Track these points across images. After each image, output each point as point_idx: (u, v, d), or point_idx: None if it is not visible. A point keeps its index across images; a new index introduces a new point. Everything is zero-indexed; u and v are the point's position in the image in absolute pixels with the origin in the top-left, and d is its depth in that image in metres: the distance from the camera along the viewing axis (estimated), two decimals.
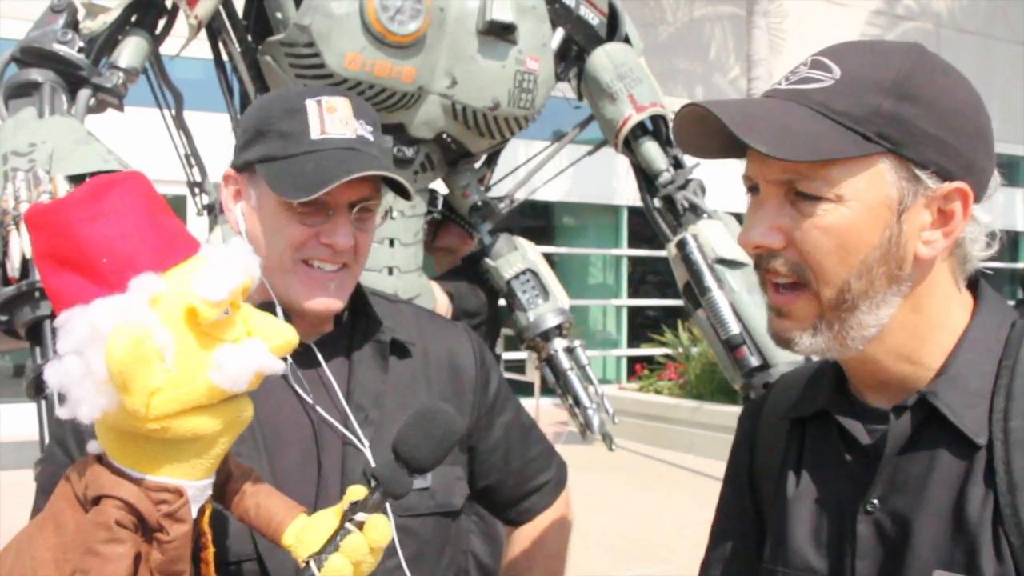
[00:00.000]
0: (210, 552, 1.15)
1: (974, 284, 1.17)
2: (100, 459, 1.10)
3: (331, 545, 1.12)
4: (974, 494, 1.03)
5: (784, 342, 1.13)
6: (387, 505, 1.39)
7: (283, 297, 1.44)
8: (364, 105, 1.49)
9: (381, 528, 1.14)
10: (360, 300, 1.56)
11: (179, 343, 1.04)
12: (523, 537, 1.79)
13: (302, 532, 1.16)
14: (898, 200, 1.05)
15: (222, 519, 1.27)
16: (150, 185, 1.10)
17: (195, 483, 1.10)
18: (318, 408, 1.44)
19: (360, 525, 1.13)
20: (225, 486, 1.19)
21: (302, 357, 1.45)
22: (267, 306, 1.41)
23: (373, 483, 1.16)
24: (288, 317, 1.42)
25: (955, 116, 1.06)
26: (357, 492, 1.17)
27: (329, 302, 1.44)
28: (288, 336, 1.14)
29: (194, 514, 1.11)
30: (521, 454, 1.71)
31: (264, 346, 1.10)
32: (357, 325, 1.55)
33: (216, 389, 1.06)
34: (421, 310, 1.73)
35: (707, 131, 1.09)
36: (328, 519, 1.17)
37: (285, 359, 1.41)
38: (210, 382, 1.05)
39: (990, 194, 1.12)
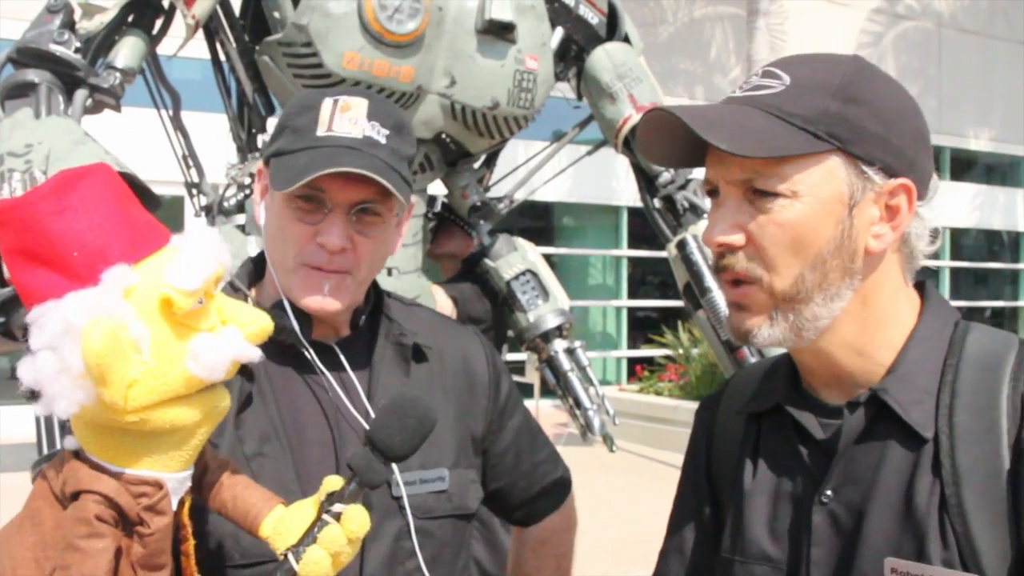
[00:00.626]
0: (190, 544, 1.14)
1: (921, 286, 1.24)
2: (77, 455, 1.09)
3: (309, 537, 1.11)
4: (922, 485, 1.09)
5: (743, 335, 1.19)
6: (406, 505, 1.43)
7: (287, 295, 1.45)
8: (386, 108, 1.47)
9: (359, 518, 1.12)
10: (379, 301, 1.57)
11: (155, 334, 1.03)
12: (532, 538, 1.81)
13: (279, 524, 1.14)
14: (849, 195, 1.12)
15: None
16: (117, 176, 1.09)
17: (174, 475, 1.09)
18: (347, 406, 1.45)
19: (337, 516, 1.12)
20: (202, 478, 1.18)
21: (325, 358, 1.46)
22: (280, 305, 1.43)
23: (349, 473, 1.15)
24: (309, 318, 1.44)
25: (896, 118, 1.14)
26: (334, 483, 1.16)
27: (323, 301, 1.43)
28: (263, 323, 1.13)
29: (174, 506, 1.10)
30: (530, 456, 1.73)
31: (240, 334, 1.10)
32: (378, 327, 1.55)
33: (193, 379, 1.06)
34: (434, 314, 1.73)
35: (671, 139, 1.16)
36: (306, 510, 1.16)
37: (301, 353, 1.44)
38: (187, 372, 1.05)
39: (931, 195, 1.19)
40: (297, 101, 1.48)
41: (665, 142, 1.18)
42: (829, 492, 1.16)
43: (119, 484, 1.05)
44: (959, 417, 1.10)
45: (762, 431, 1.28)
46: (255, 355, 1.11)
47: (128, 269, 1.03)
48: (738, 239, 1.14)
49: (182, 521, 1.13)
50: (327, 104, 1.43)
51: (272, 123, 1.52)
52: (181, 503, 1.12)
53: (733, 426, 1.33)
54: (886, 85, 1.16)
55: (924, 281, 1.24)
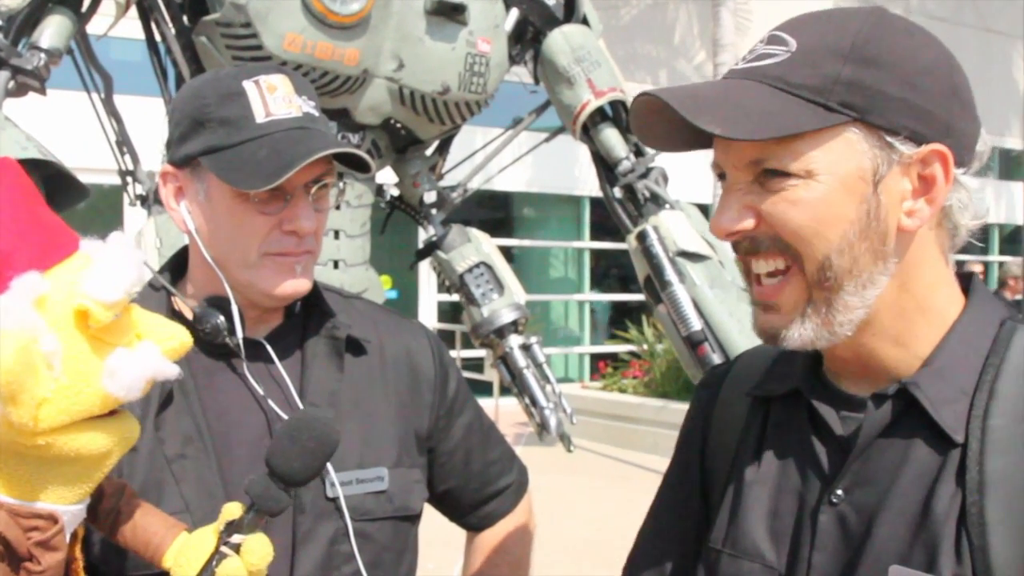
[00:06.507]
0: None
1: (967, 278, 1.14)
2: None
3: (207, 571, 1.07)
4: (943, 492, 1.01)
5: (771, 338, 1.09)
6: (343, 506, 1.36)
7: (246, 290, 1.39)
8: (303, 80, 1.44)
9: (259, 550, 1.09)
10: (313, 293, 1.50)
11: (68, 349, 0.97)
12: (485, 543, 1.74)
13: (180, 555, 1.10)
14: (872, 170, 1.02)
15: None
16: (25, 175, 1.03)
17: (70, 508, 1.03)
18: (276, 405, 1.39)
19: (237, 547, 1.08)
20: (98, 506, 1.11)
21: (252, 353, 1.41)
22: (215, 300, 1.38)
23: (248, 501, 1.10)
24: (240, 314, 1.39)
25: (922, 76, 1.02)
26: (233, 510, 1.12)
27: (297, 284, 1.40)
28: (182, 338, 1.09)
29: (67, 540, 1.04)
30: (482, 456, 1.67)
31: (157, 350, 1.04)
32: (310, 320, 1.49)
33: (109, 398, 1.00)
34: (376, 306, 1.67)
35: (668, 122, 1.05)
36: (207, 538, 1.11)
37: (228, 348, 1.38)
38: (103, 390, 0.99)
39: (981, 159, 1.07)
40: (209, 90, 1.37)
41: (665, 127, 1.07)
42: (840, 492, 1.07)
43: (8, 516, 0.99)
44: (994, 420, 1.00)
45: (770, 417, 1.18)
46: (173, 372, 1.06)
47: (39, 276, 0.97)
48: (748, 223, 1.05)
49: (73, 555, 1.07)
50: (252, 88, 1.36)
51: None
52: (74, 536, 1.07)
53: (736, 408, 1.24)
54: (909, 39, 1.03)
55: (972, 273, 1.14)
